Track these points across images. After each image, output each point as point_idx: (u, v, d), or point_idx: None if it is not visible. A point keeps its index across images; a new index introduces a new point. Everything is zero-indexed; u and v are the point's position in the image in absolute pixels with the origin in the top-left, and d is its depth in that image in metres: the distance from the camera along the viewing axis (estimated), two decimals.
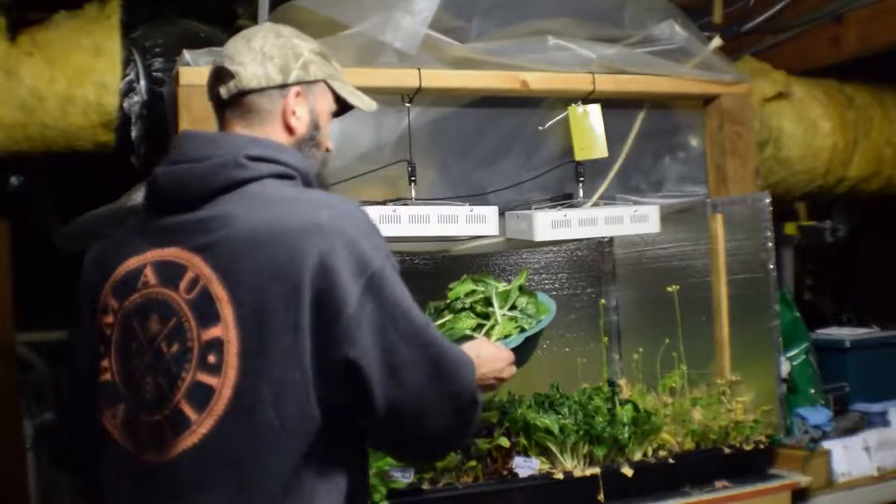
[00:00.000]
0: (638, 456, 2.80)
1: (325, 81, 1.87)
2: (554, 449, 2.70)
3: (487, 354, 1.92)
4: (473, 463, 2.59)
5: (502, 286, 2.19)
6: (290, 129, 1.81)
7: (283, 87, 1.80)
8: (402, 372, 1.59)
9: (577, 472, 2.66)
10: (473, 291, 2.17)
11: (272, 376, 1.53)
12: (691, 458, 2.86)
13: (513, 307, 2.12)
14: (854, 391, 3.55)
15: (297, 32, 1.90)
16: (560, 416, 2.74)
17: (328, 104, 1.89)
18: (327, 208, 1.63)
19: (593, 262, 3.57)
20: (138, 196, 2.72)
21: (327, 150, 1.92)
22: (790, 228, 4.17)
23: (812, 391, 3.37)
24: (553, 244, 3.39)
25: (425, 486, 2.51)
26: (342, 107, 1.95)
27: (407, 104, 2.83)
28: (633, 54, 3.04)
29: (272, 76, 1.79)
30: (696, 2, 3.59)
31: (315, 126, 1.85)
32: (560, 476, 2.64)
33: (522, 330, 2.03)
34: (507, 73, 2.90)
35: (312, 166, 1.83)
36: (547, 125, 3.02)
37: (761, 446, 2.97)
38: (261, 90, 1.79)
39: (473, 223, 2.73)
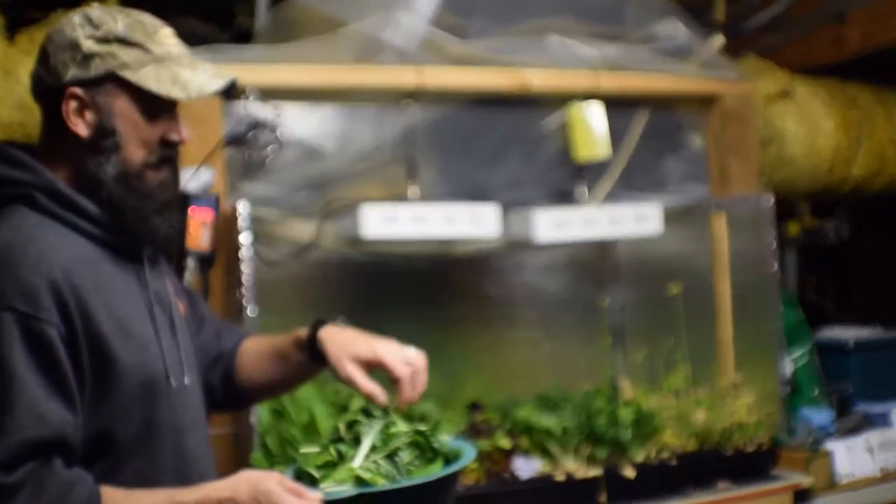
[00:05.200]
0: (640, 457, 2.78)
1: (114, 76, 1.56)
2: (555, 450, 2.68)
3: (248, 498, 1.44)
4: (474, 464, 2.58)
5: (401, 426, 1.70)
6: (79, 138, 1.57)
7: (59, 90, 1.56)
8: None
9: (579, 474, 2.65)
10: (356, 422, 1.69)
11: None
12: (693, 459, 2.85)
13: (392, 454, 1.63)
14: (857, 392, 3.54)
15: (90, 16, 1.58)
16: (562, 417, 2.72)
17: (127, 101, 1.57)
18: None
19: (595, 262, 3.54)
20: None
21: (170, 142, 1.61)
22: (793, 228, 4.16)
23: (815, 392, 3.36)
24: (554, 245, 3.37)
25: None
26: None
27: (407, 103, 2.82)
28: (635, 53, 3.04)
29: (44, 78, 1.58)
30: (699, 0, 3.57)
31: (105, 132, 1.56)
32: (562, 477, 2.63)
33: (362, 484, 1.56)
34: (507, 72, 2.89)
35: (96, 175, 1.57)
36: (548, 125, 3.01)
37: (764, 447, 2.95)
38: (38, 96, 1.61)
39: (473, 223, 2.71)
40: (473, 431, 2.66)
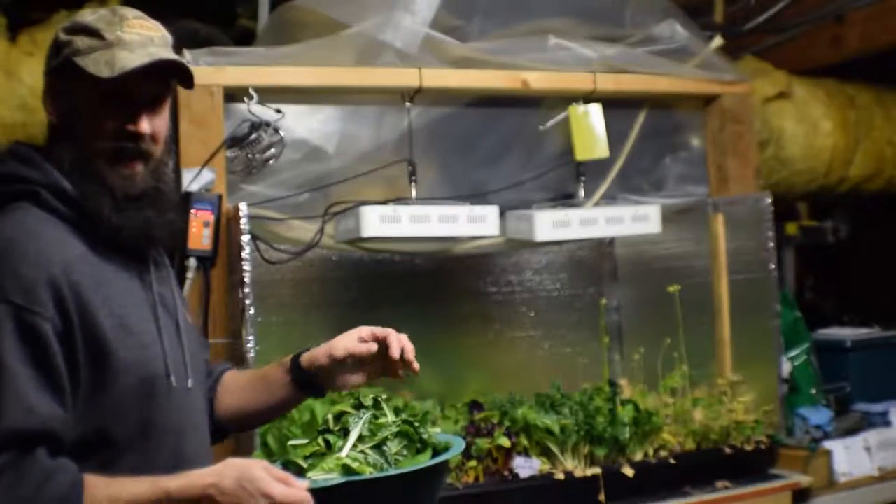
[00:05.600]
0: (639, 456, 2.79)
1: (69, 62, 1.57)
2: (555, 449, 2.69)
3: (232, 484, 1.43)
4: (474, 463, 2.59)
5: (389, 417, 1.67)
6: (54, 126, 1.63)
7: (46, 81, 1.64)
8: None
9: (578, 473, 2.66)
10: (345, 414, 1.66)
11: None
12: (692, 459, 2.86)
13: (380, 445, 1.61)
14: (855, 391, 3.54)
15: (84, 14, 1.63)
16: (561, 416, 2.73)
17: (82, 88, 1.57)
18: None
19: (594, 262, 3.56)
20: None
21: (127, 133, 1.58)
22: (791, 228, 4.17)
23: (813, 391, 3.37)
24: (554, 244, 3.39)
25: None
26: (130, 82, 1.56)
27: (407, 104, 2.83)
28: (634, 54, 3.04)
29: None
30: (697, 1, 3.58)
31: (65, 117, 1.61)
32: (561, 476, 2.63)
33: (349, 473, 1.54)
34: (507, 73, 2.90)
35: (60, 164, 1.58)
36: (547, 125, 3.02)
37: (762, 446, 2.96)
38: None
39: (473, 223, 2.72)
40: (473, 430, 2.67)
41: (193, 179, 2.52)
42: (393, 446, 1.62)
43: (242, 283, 2.43)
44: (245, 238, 2.44)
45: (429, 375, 3.23)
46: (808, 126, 3.86)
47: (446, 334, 3.30)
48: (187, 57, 2.56)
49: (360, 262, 3.15)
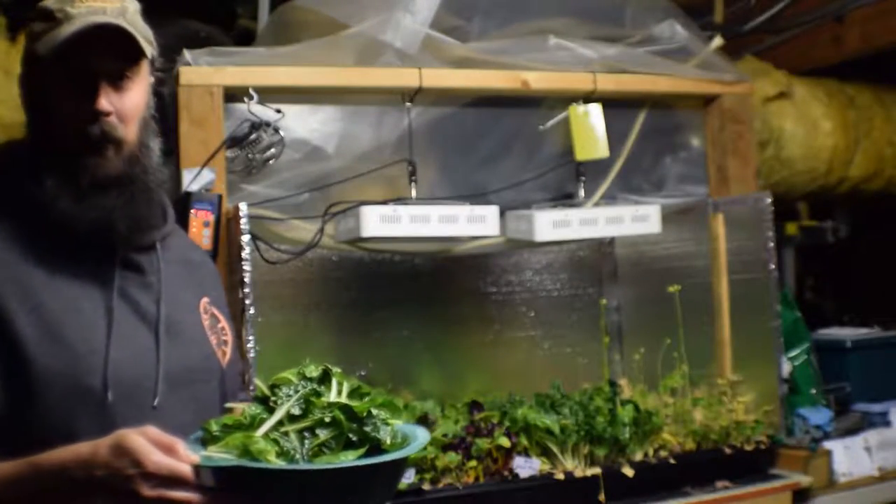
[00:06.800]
0: (639, 456, 2.79)
1: (29, 49, 1.52)
2: (555, 449, 2.69)
3: (107, 452, 1.29)
4: (474, 463, 2.59)
5: (331, 399, 1.38)
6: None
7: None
8: None
9: (578, 473, 2.65)
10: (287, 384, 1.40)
11: None
12: (692, 459, 2.86)
13: (306, 431, 1.35)
14: (855, 391, 3.54)
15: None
16: (561, 416, 2.73)
17: (38, 72, 1.52)
18: None
19: (594, 262, 3.56)
20: None
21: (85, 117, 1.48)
22: (791, 228, 4.17)
23: (813, 391, 3.37)
24: (554, 244, 3.39)
25: (426, 487, 2.51)
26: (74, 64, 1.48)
27: (407, 104, 2.83)
28: (634, 54, 3.04)
29: None
30: (698, 1, 3.58)
31: (29, 106, 1.57)
32: (561, 476, 2.63)
33: (249, 456, 1.30)
34: (507, 73, 2.90)
35: (35, 157, 1.54)
36: (547, 125, 3.02)
37: (762, 446, 2.96)
38: None
39: (473, 223, 2.72)
40: (473, 430, 2.67)
41: (193, 179, 2.52)
42: (322, 434, 1.34)
43: (242, 283, 2.42)
44: (245, 238, 2.44)
45: (429, 375, 3.23)
46: (808, 126, 3.86)
47: (446, 334, 3.30)
48: (187, 57, 2.56)
49: (360, 262, 3.15)
